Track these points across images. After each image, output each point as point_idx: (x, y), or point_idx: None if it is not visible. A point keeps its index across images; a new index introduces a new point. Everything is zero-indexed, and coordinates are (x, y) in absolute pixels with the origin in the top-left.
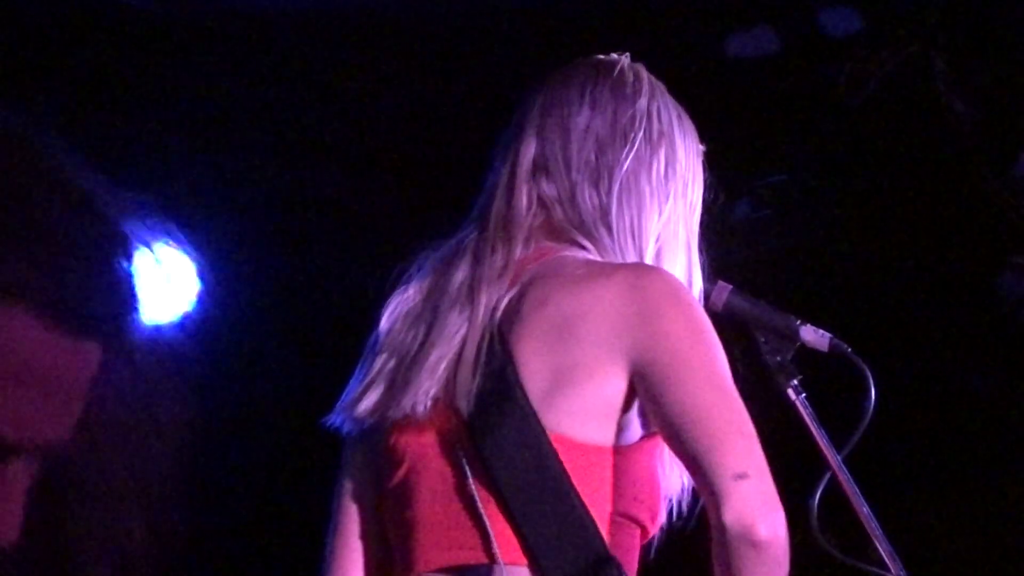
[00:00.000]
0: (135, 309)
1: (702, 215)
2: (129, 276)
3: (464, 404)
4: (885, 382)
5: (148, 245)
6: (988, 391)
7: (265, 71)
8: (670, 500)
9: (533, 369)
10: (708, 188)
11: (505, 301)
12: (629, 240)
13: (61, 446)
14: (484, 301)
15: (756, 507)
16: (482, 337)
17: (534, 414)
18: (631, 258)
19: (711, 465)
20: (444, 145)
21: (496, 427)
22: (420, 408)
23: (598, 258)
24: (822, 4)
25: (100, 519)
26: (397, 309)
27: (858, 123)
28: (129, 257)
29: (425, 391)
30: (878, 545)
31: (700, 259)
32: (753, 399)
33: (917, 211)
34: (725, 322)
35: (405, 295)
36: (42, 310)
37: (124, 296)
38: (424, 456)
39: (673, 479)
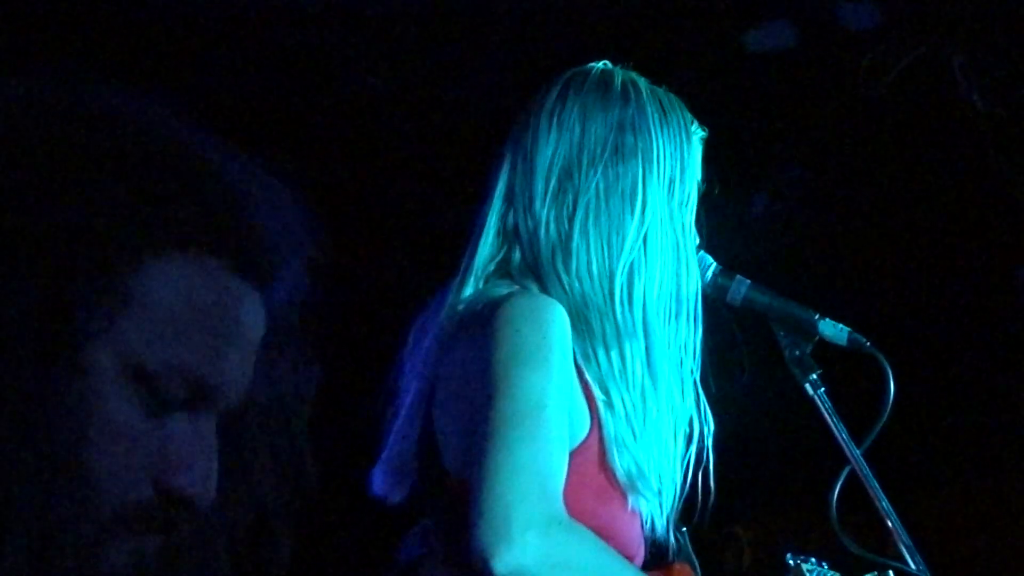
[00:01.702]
0: (290, 265)
1: (720, 211)
2: (283, 233)
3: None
4: (904, 376)
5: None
6: (1007, 385)
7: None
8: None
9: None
10: (708, 177)
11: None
12: (586, 273)
13: (239, 386)
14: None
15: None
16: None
17: None
18: (587, 289)
19: None
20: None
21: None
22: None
23: None
24: None
25: (273, 443)
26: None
27: (876, 117)
28: (279, 216)
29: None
30: (897, 539)
31: (699, 254)
32: (772, 393)
33: (935, 205)
34: (744, 317)
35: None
36: (236, 269)
37: (284, 253)
38: None
39: None
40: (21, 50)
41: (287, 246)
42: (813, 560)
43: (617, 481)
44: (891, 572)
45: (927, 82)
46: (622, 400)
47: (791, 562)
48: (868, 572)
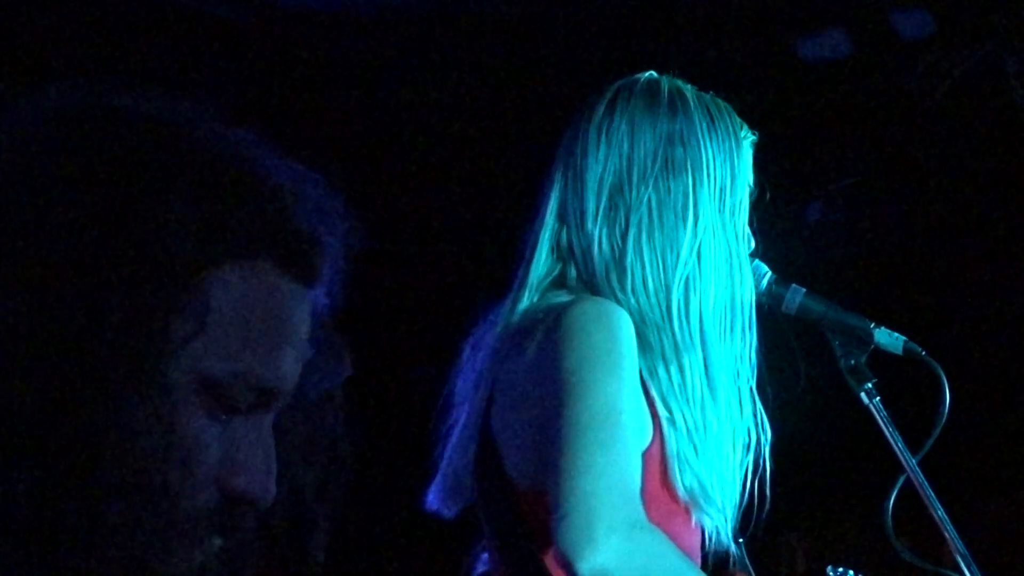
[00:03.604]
0: (332, 264)
1: (774, 219)
2: (326, 232)
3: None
4: (960, 385)
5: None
6: None
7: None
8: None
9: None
10: (761, 184)
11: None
12: (641, 289)
13: (290, 384)
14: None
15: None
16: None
17: None
18: (643, 306)
19: None
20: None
21: None
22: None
23: None
24: (895, 6)
25: (306, 430)
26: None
27: (930, 125)
28: (331, 230)
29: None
30: (953, 548)
31: (754, 263)
32: (827, 402)
33: (990, 213)
34: (799, 326)
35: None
36: (285, 270)
37: (327, 252)
38: None
39: None
40: (63, 57)
41: (330, 245)
42: (852, 572)
43: (679, 497)
44: None
45: (981, 89)
46: (683, 416)
47: (831, 573)
48: None
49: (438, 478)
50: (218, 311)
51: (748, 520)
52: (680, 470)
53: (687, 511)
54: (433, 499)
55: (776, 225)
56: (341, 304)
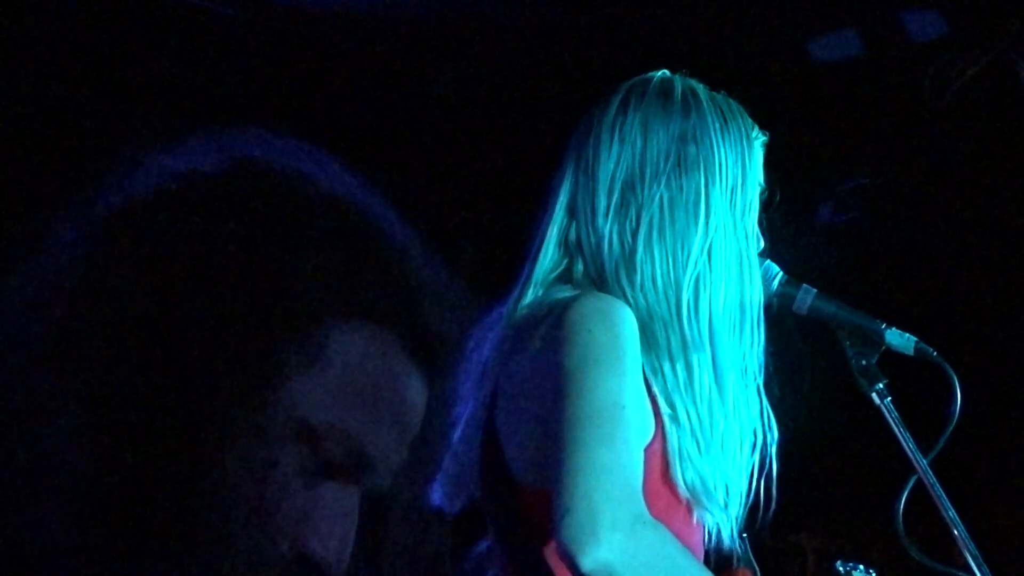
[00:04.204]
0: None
1: (786, 220)
2: (451, 320)
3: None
4: (971, 386)
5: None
6: None
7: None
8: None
9: None
10: (772, 184)
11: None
12: (651, 287)
13: (390, 463)
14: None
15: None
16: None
17: None
18: (652, 303)
19: None
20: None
21: None
22: None
23: None
24: (907, 7)
25: (409, 538)
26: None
27: (942, 126)
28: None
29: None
30: (964, 548)
31: (765, 263)
32: (838, 402)
33: (1001, 214)
34: (811, 326)
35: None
36: (407, 348)
37: (450, 340)
38: None
39: None
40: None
41: (453, 333)
42: (862, 568)
43: (680, 494)
44: None
45: (993, 90)
46: (687, 413)
47: (841, 569)
48: None
49: (441, 475)
50: (332, 360)
51: (754, 518)
52: (682, 467)
53: (688, 508)
54: (436, 495)
55: (787, 226)
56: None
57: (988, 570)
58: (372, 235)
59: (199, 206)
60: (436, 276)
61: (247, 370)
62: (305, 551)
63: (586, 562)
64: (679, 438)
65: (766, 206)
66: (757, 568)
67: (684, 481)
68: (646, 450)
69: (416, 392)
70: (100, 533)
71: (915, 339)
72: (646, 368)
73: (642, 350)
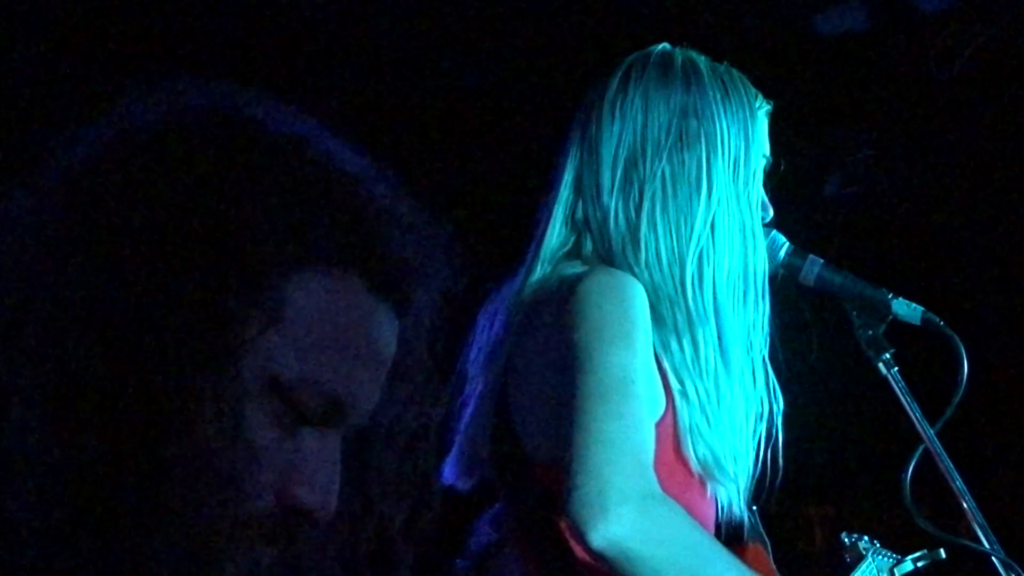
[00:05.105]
0: (425, 290)
1: (793, 191)
2: (421, 257)
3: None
4: (978, 356)
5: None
6: None
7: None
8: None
9: None
10: (778, 156)
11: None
12: (655, 262)
13: (370, 401)
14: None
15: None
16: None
17: None
18: (657, 279)
19: None
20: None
21: None
22: None
23: None
24: None
25: (397, 465)
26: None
27: (949, 99)
28: (419, 241)
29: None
30: (971, 519)
31: (772, 234)
32: (845, 373)
33: (1007, 186)
34: (817, 296)
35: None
36: (373, 289)
37: (420, 277)
38: None
39: None
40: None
41: (424, 270)
42: (867, 538)
43: (693, 469)
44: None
45: (1000, 62)
46: (695, 389)
47: (846, 540)
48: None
49: (454, 452)
50: (295, 314)
51: (761, 489)
52: (693, 442)
53: (701, 482)
54: (449, 473)
55: (795, 197)
56: (440, 336)
57: (995, 539)
58: (321, 172)
59: (136, 167)
60: (392, 199)
61: (208, 336)
62: (291, 501)
63: (595, 537)
64: (689, 414)
65: (772, 175)
66: (767, 540)
67: (696, 456)
68: (658, 426)
69: (386, 326)
70: (66, 517)
71: (922, 309)
72: (657, 344)
73: (653, 327)
